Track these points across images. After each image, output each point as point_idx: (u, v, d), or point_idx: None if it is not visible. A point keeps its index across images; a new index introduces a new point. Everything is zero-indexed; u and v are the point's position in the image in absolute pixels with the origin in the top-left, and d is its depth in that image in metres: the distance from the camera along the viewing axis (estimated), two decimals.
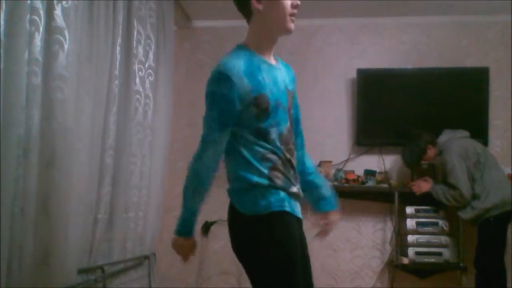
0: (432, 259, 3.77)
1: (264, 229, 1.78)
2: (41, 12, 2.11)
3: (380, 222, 4.19)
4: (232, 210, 1.90)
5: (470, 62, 4.19)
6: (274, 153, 1.82)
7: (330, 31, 4.39)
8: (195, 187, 1.94)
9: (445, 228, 3.80)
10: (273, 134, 1.82)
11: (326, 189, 2.11)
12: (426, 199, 3.91)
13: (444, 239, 3.79)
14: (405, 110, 4.14)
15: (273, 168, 1.81)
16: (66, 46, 2.29)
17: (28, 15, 2.04)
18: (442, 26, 4.27)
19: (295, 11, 1.85)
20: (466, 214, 3.53)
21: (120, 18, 3.03)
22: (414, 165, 3.90)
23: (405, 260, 3.80)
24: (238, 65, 1.81)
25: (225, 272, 4.29)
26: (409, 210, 3.87)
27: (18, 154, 2.00)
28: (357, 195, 4.13)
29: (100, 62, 2.80)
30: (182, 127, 4.44)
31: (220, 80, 1.80)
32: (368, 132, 4.18)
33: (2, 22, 1.91)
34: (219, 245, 4.31)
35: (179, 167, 4.40)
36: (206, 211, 4.32)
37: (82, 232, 2.68)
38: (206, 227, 4.32)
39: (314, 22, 4.38)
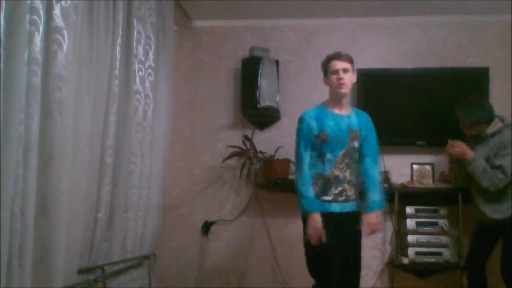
0: (432, 259, 3.76)
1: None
2: (41, 12, 2.11)
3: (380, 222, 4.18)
4: None
5: (470, 62, 4.19)
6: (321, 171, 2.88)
7: (330, 31, 4.39)
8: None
9: (445, 228, 3.80)
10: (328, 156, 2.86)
11: (373, 194, 2.88)
12: (426, 199, 3.92)
13: (444, 239, 3.79)
14: (405, 110, 4.14)
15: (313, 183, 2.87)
16: (65, 46, 2.29)
17: (28, 15, 2.04)
18: (442, 26, 4.27)
19: (340, 76, 2.83)
20: (501, 214, 3.26)
21: (120, 17, 3.03)
22: (474, 124, 3.42)
23: (405, 260, 3.80)
24: (311, 112, 2.94)
25: (225, 272, 4.29)
26: (409, 210, 3.87)
27: (17, 154, 2.00)
28: None
29: (100, 61, 2.81)
30: (182, 127, 4.44)
31: (300, 119, 2.95)
32: None
33: (2, 22, 1.91)
34: (219, 245, 4.32)
35: (179, 167, 4.41)
36: (206, 211, 4.34)
37: (82, 232, 2.68)
38: (206, 227, 4.32)
39: (314, 22, 4.38)
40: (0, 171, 1.90)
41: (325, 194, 2.84)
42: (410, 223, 3.83)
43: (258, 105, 4.07)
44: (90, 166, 2.72)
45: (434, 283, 4.02)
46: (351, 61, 2.89)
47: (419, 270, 3.93)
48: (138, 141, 3.33)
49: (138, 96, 3.31)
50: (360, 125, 2.94)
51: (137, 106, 3.30)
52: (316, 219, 2.76)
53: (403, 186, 3.96)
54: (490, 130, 3.36)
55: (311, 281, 2.88)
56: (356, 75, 2.95)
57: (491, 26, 4.21)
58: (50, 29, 2.23)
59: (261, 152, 4.12)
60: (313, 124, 2.87)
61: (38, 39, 2.10)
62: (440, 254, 3.76)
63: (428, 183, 4.04)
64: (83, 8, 2.55)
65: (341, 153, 2.85)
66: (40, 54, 2.12)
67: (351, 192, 2.88)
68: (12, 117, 1.95)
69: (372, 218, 2.85)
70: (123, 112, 3.15)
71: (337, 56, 2.88)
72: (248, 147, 4.14)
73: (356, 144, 2.90)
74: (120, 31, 3.03)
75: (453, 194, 3.82)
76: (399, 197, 3.90)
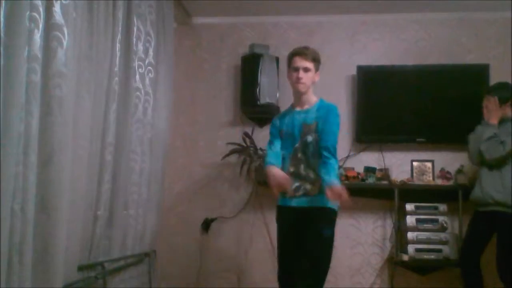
0: (432, 256, 3.77)
1: None
2: (41, 9, 2.10)
3: (380, 219, 4.19)
4: None
5: (470, 59, 4.19)
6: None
7: (330, 28, 4.39)
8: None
9: (445, 225, 3.80)
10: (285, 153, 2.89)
11: (324, 173, 2.70)
12: (426, 196, 3.92)
13: (444, 236, 3.79)
14: (405, 106, 4.14)
15: None
16: (64, 43, 2.29)
17: (28, 12, 2.03)
18: (442, 22, 4.27)
19: (299, 80, 2.82)
20: (503, 195, 3.24)
21: (120, 15, 3.03)
22: (502, 102, 3.42)
23: (405, 257, 3.80)
24: (280, 114, 3.12)
25: (226, 269, 4.29)
26: (409, 207, 3.87)
27: (17, 151, 1.99)
28: (357, 192, 4.09)
29: (100, 59, 2.80)
30: (182, 124, 4.44)
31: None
32: (368, 129, 4.18)
33: (2, 20, 1.90)
34: (219, 242, 4.32)
35: (179, 164, 4.41)
36: (206, 208, 4.34)
37: (82, 229, 2.68)
38: (207, 224, 4.32)
39: (314, 19, 4.38)
40: (0, 168, 1.90)
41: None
42: (410, 220, 3.83)
43: (258, 102, 4.07)
44: (90, 163, 2.72)
45: (434, 280, 4.03)
46: (314, 59, 2.85)
47: (419, 267, 3.94)
48: (138, 138, 3.33)
49: (138, 93, 3.31)
50: (317, 118, 2.84)
51: (137, 103, 3.30)
52: (271, 170, 2.75)
53: (403, 183, 3.96)
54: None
55: None
56: (318, 75, 2.91)
57: (491, 23, 4.20)
58: (50, 26, 2.22)
59: (261, 149, 4.12)
60: (277, 123, 2.98)
61: (37, 36, 2.09)
62: (440, 251, 3.77)
63: (428, 180, 4.04)
64: (83, 5, 2.55)
65: (293, 149, 2.85)
66: (39, 51, 2.12)
67: (310, 187, 2.80)
68: (12, 114, 1.95)
69: (333, 186, 2.59)
70: (123, 109, 3.15)
71: (301, 53, 2.84)
72: (248, 144, 4.14)
73: (310, 138, 2.82)
74: (120, 28, 3.03)
75: (453, 191, 3.83)
76: (399, 194, 3.91)
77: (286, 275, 2.85)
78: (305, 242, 2.77)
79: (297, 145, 2.85)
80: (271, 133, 3.02)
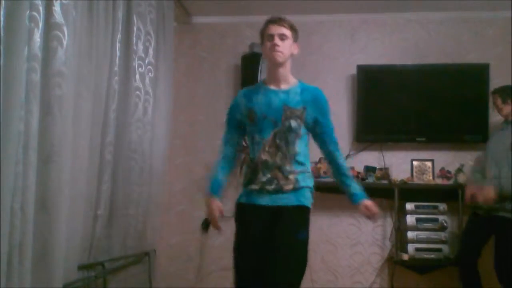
0: (432, 255, 3.77)
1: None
2: (41, 9, 2.10)
3: (380, 218, 4.19)
4: None
5: (471, 58, 4.18)
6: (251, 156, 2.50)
7: (330, 27, 4.39)
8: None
9: (445, 224, 3.80)
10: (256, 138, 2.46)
11: (352, 185, 2.54)
12: (426, 195, 3.92)
13: (444, 235, 3.79)
14: (405, 106, 4.13)
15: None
16: (65, 43, 2.29)
17: (28, 11, 2.04)
18: (442, 22, 4.27)
19: (275, 48, 2.38)
20: None
21: (120, 14, 3.03)
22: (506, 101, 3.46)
23: (405, 256, 3.80)
24: (242, 92, 2.60)
25: (225, 269, 4.28)
26: (409, 206, 3.87)
27: (17, 150, 2.00)
28: None
29: (100, 58, 2.80)
30: (182, 123, 4.44)
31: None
32: (368, 128, 4.18)
33: (2, 19, 1.91)
34: (219, 241, 4.31)
35: (179, 163, 4.41)
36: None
37: (82, 229, 2.68)
38: (206, 224, 4.30)
39: (314, 18, 4.37)
40: (0, 167, 1.89)
41: (253, 182, 2.43)
42: (410, 219, 3.83)
43: None
44: (90, 163, 2.72)
45: (434, 279, 4.02)
46: (292, 27, 2.43)
47: (419, 266, 3.94)
48: (138, 138, 3.33)
49: (138, 92, 3.31)
50: (305, 102, 2.44)
51: (137, 102, 3.30)
52: (209, 203, 2.45)
53: (403, 182, 3.96)
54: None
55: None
56: (297, 47, 2.48)
57: (491, 23, 4.20)
58: (50, 26, 2.22)
59: None
60: (242, 102, 2.50)
61: (37, 35, 2.10)
62: (439, 250, 3.77)
63: (428, 179, 4.04)
64: (83, 5, 2.55)
65: (271, 133, 2.41)
66: (39, 50, 2.12)
67: (285, 181, 2.38)
68: (12, 113, 1.95)
69: (366, 202, 2.47)
70: (123, 108, 3.15)
71: (276, 19, 2.42)
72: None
73: (294, 123, 2.41)
74: (120, 28, 3.03)
75: (453, 191, 3.83)
76: (399, 194, 3.91)
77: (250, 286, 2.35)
78: (279, 247, 2.31)
79: (277, 129, 2.41)
80: (229, 120, 2.57)
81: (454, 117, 4.03)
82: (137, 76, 3.30)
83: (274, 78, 2.47)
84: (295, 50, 2.46)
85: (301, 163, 2.42)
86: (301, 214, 2.39)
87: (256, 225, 2.40)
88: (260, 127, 2.43)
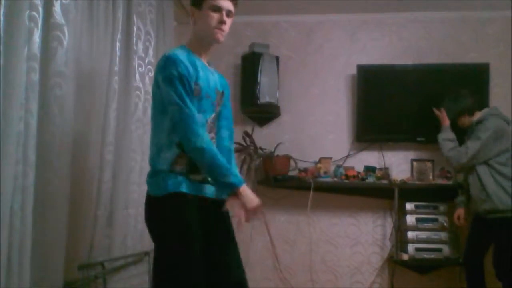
0: (432, 255, 3.77)
1: (159, 208, 2.07)
2: (40, 9, 2.11)
3: (380, 218, 4.19)
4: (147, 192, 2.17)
5: (471, 58, 4.18)
6: None
7: (330, 27, 4.39)
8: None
9: (445, 224, 3.81)
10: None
11: (235, 168, 2.33)
12: (426, 195, 3.92)
13: (444, 235, 3.80)
14: (405, 106, 4.13)
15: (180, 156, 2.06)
16: (65, 43, 2.29)
17: (28, 11, 2.04)
18: (442, 22, 4.26)
19: (221, 26, 2.10)
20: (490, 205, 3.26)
21: (120, 14, 3.02)
22: (456, 114, 3.60)
23: (405, 256, 3.81)
24: (181, 53, 2.07)
25: None
26: (409, 206, 3.87)
27: (17, 150, 2.00)
28: (357, 191, 4.13)
29: (100, 58, 2.80)
30: None
31: (170, 62, 2.02)
32: (368, 128, 4.18)
33: (2, 18, 1.90)
34: None
35: None
36: None
37: (82, 228, 2.68)
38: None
39: (314, 18, 4.37)
40: (0, 167, 1.90)
41: (195, 171, 2.07)
42: (410, 219, 3.84)
43: (258, 101, 4.07)
44: (90, 163, 2.72)
45: (434, 279, 4.03)
46: (236, 3, 2.16)
47: (419, 266, 3.95)
48: (138, 137, 3.33)
49: (138, 92, 3.31)
50: (223, 87, 2.26)
51: (137, 102, 3.30)
52: (251, 192, 2.08)
53: (403, 182, 3.96)
54: (474, 118, 3.48)
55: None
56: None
57: (491, 22, 4.20)
58: (50, 26, 2.23)
59: (261, 148, 4.12)
60: (189, 67, 2.04)
61: (37, 35, 2.10)
62: (439, 250, 3.77)
63: (428, 179, 4.04)
64: (83, 5, 2.55)
65: (210, 117, 2.16)
66: (39, 50, 2.12)
67: None
68: (11, 113, 1.95)
69: (246, 196, 2.04)
70: (123, 108, 3.15)
71: None
72: (248, 143, 4.14)
73: (221, 108, 2.26)
74: (120, 27, 3.02)
75: (453, 191, 3.82)
76: (399, 194, 3.91)
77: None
78: (230, 245, 2.26)
79: (213, 114, 2.18)
80: (186, 84, 2.01)
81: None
82: (137, 76, 3.29)
83: (204, 54, 2.18)
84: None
85: None
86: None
87: (204, 217, 2.10)
88: (204, 107, 2.10)
